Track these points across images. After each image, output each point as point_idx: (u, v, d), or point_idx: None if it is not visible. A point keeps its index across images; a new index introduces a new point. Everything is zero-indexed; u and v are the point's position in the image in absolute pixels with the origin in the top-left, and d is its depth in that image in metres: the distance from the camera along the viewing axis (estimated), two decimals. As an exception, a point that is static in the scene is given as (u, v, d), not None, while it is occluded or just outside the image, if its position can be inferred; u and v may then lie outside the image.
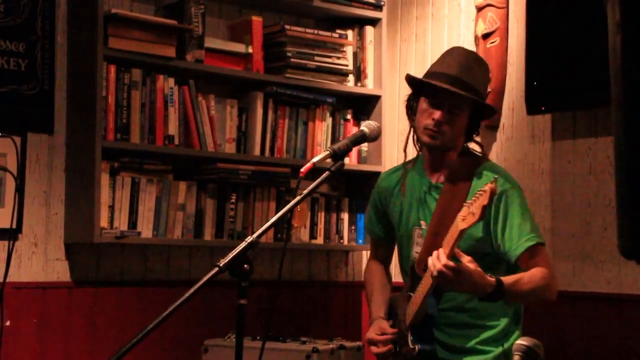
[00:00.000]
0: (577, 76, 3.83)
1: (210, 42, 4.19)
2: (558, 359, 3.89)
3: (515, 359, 1.94)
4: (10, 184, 3.70)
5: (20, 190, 3.73)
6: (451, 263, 2.64)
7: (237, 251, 2.20)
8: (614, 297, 3.79)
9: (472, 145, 3.10)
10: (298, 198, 2.39)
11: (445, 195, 2.95)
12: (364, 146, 4.63)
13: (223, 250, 3.60)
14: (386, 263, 3.36)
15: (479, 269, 2.69)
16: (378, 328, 3.06)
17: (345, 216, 4.66)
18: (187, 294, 2.14)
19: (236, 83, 4.38)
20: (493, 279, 2.73)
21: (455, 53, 3.03)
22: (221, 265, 2.19)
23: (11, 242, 3.55)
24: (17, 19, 3.86)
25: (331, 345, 3.96)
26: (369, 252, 4.74)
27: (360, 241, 4.68)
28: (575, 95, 3.86)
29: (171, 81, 4.07)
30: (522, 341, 1.96)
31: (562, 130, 4.03)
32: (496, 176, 2.65)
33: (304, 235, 4.51)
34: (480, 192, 2.56)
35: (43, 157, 3.92)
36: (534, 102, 4.01)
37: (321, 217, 4.58)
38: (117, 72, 3.92)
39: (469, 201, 2.60)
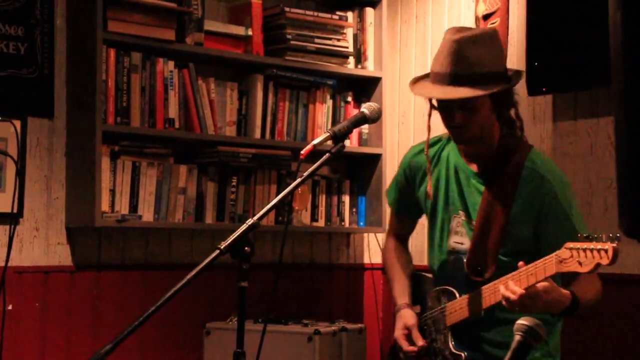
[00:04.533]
0: (577, 57, 3.82)
1: (210, 25, 4.18)
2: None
3: (517, 339, 1.94)
4: (10, 168, 3.69)
5: (20, 174, 3.73)
6: (527, 292, 2.52)
7: (238, 234, 2.20)
8: (615, 278, 3.78)
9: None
10: (298, 180, 2.38)
11: (491, 191, 2.78)
12: (365, 128, 4.62)
13: (224, 233, 3.58)
14: (407, 238, 3.19)
15: (554, 283, 2.56)
16: (403, 326, 2.90)
17: (346, 198, 4.65)
18: (188, 277, 2.14)
19: (236, 66, 4.37)
20: (568, 292, 2.59)
21: (445, 42, 2.73)
22: (222, 247, 2.18)
23: (12, 227, 3.55)
24: (16, 3, 3.84)
25: (333, 328, 3.97)
26: (374, 234, 4.82)
27: (361, 223, 4.68)
28: (576, 76, 3.85)
29: (171, 64, 4.06)
30: (523, 321, 1.97)
31: (563, 111, 4.02)
32: (618, 236, 2.38)
33: (305, 217, 4.51)
34: (598, 247, 2.37)
35: (43, 141, 3.91)
36: (534, 83, 4.00)
37: (322, 199, 4.58)
38: (116, 56, 3.91)
39: (575, 246, 2.44)
